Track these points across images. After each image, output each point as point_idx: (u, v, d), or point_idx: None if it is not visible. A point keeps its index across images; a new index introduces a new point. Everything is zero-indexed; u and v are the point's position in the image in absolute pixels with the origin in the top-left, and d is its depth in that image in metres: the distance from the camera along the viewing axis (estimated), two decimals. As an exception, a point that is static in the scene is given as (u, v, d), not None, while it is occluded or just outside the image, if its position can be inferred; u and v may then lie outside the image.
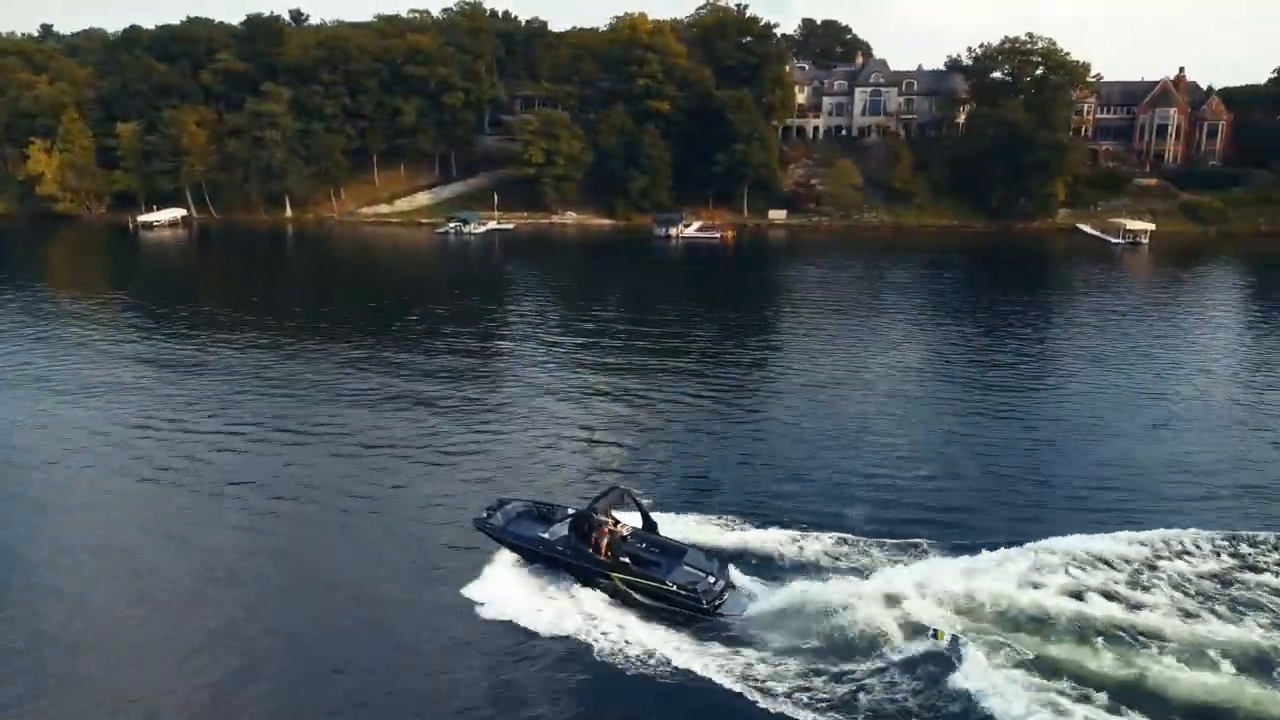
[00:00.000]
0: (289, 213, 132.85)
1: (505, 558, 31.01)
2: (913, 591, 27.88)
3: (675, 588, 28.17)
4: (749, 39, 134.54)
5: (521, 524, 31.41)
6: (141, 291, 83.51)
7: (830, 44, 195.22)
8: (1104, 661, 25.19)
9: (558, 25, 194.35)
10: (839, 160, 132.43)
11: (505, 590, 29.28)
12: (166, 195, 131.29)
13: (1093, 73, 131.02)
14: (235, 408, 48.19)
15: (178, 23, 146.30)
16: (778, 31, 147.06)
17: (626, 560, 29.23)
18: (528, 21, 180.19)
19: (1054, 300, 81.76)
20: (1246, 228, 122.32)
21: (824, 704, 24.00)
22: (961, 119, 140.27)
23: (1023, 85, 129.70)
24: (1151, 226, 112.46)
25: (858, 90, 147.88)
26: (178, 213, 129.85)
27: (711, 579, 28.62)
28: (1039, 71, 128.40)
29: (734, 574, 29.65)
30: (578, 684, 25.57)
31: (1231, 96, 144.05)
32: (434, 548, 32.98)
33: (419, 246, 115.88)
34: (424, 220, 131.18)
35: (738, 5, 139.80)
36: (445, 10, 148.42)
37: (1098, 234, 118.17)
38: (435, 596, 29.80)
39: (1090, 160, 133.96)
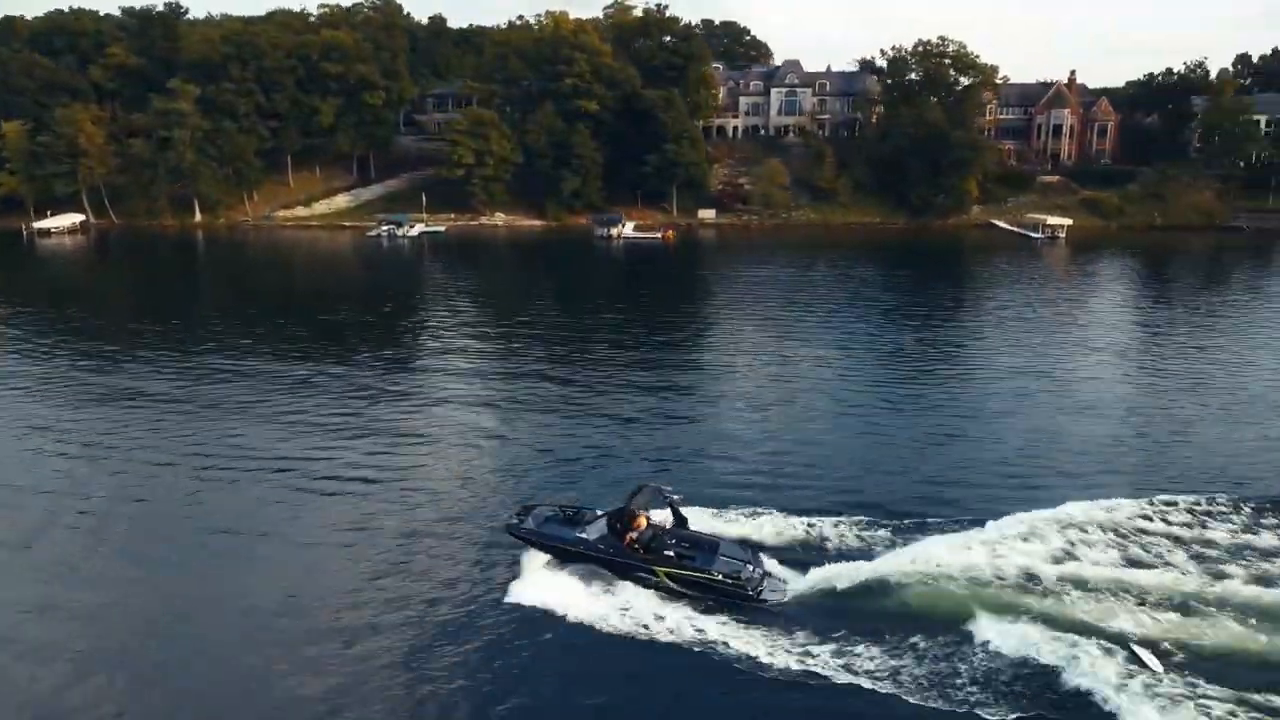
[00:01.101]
0: (198, 217, 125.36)
1: (535, 560, 30.77)
2: (931, 563, 29.27)
3: (720, 577, 28.73)
4: (672, 39, 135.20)
5: (553, 526, 31.40)
6: (53, 303, 77.00)
7: (730, 45, 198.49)
8: (1113, 615, 26.92)
9: (455, 23, 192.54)
10: (768, 160, 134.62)
11: (546, 590, 29.16)
12: (60, 200, 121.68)
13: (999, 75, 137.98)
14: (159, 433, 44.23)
15: (61, 11, 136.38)
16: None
17: (670, 554, 29.69)
18: (431, 19, 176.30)
19: (998, 291, 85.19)
20: (1143, 221, 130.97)
21: (885, 675, 24.75)
22: (873, 119, 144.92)
23: (935, 87, 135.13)
24: (1069, 222, 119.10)
25: (774, 91, 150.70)
26: (75, 218, 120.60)
27: (750, 567, 29.35)
28: (951, 74, 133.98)
29: (766, 561, 30.32)
30: (641, 674, 25.54)
31: (1116, 97, 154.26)
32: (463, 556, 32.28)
33: (350, 251, 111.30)
34: (347, 224, 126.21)
35: (657, 5, 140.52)
36: (357, 6, 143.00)
37: (1014, 229, 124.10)
38: (470, 602, 29.27)
39: (997, 159, 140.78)
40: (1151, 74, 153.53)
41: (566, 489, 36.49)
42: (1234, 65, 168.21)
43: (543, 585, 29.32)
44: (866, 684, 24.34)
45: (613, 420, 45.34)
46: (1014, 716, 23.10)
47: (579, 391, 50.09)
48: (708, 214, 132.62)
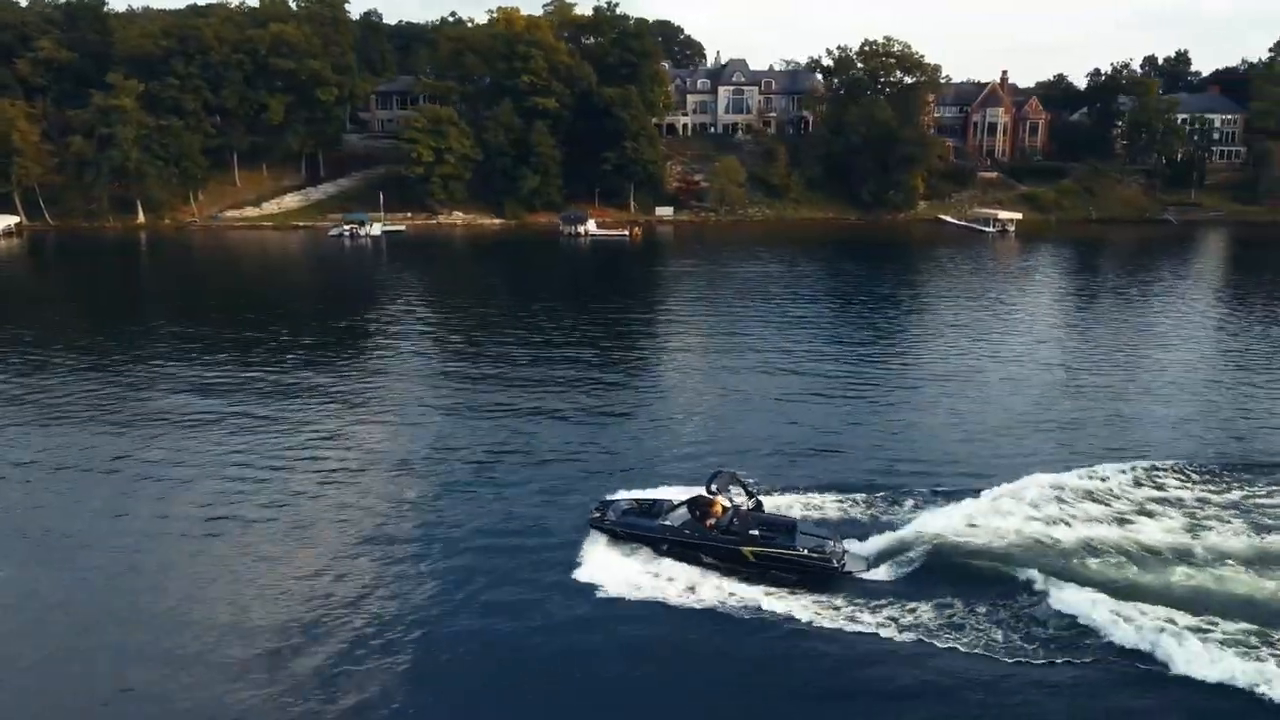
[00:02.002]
0: (141, 218, 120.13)
1: (598, 547, 30.87)
2: (963, 528, 30.57)
3: (806, 552, 29.34)
4: (625, 35, 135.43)
5: (634, 518, 31.93)
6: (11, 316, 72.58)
7: (666, 44, 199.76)
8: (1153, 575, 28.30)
9: (388, 19, 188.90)
10: (723, 158, 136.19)
11: (620, 575, 29.25)
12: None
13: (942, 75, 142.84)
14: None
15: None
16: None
17: (755, 534, 30.26)
18: (365, 15, 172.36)
19: (971, 281, 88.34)
20: (1079, 215, 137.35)
21: (980, 635, 25.53)
22: (815, 117, 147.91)
23: (881, 86, 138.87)
24: (1019, 216, 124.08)
25: (721, 89, 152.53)
26: (9, 220, 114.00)
27: (831, 542, 29.97)
28: (897, 73, 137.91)
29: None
30: (745, 653, 25.52)
31: (1045, 96, 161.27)
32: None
33: (310, 251, 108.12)
34: (301, 224, 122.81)
35: (607, 3, 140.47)
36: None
37: (965, 224, 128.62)
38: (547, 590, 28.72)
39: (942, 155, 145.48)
40: (1061, 75, 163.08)
41: (556, 486, 36.11)
42: (1142, 67, 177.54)
43: (613, 569, 29.43)
44: (941, 644, 24.98)
45: (622, 412, 45.42)
46: (1062, 661, 24.17)
47: (567, 388, 49.74)
48: (665, 211, 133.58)
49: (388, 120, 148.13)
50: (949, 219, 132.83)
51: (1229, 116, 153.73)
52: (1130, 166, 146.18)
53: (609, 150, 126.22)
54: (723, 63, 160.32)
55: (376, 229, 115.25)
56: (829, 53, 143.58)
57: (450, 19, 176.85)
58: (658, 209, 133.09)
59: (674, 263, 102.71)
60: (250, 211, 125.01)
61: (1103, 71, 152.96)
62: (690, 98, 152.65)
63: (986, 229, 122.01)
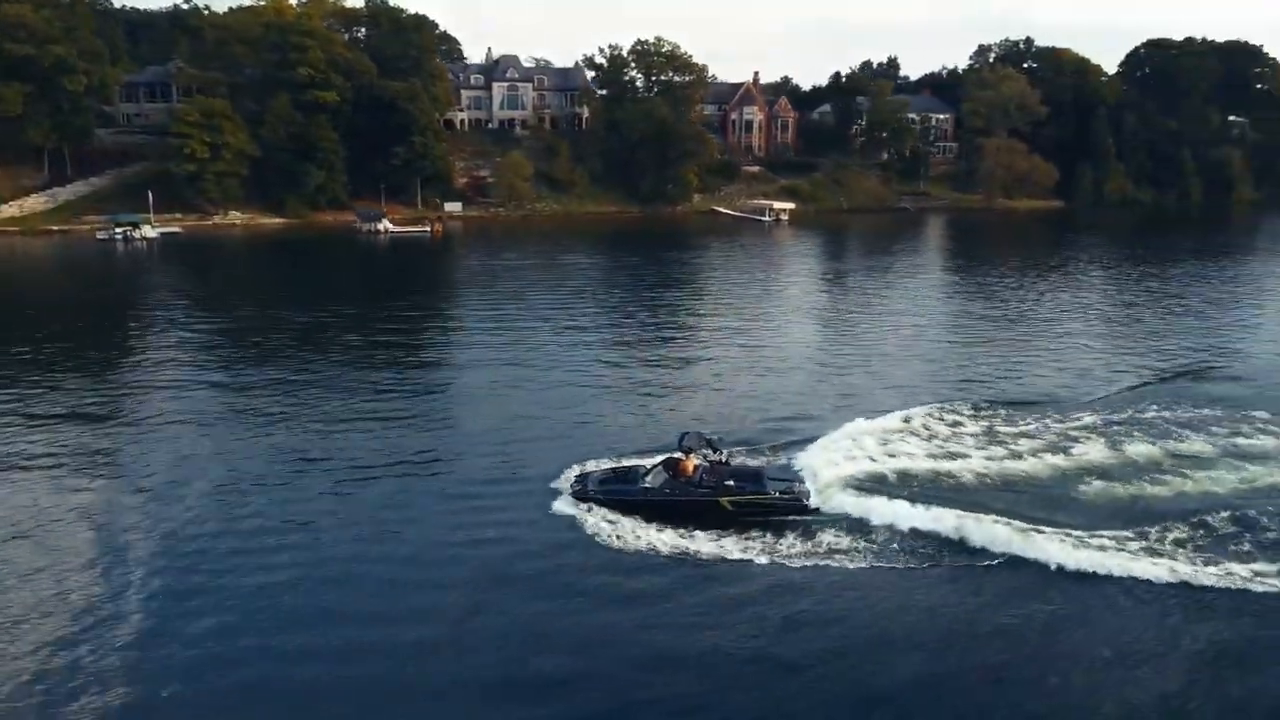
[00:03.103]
0: None
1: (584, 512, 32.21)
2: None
3: (778, 495, 31.90)
4: (404, 29, 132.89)
5: (614, 484, 33.54)
6: None
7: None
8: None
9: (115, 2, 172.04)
10: (509, 153, 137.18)
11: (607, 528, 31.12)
12: None
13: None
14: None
15: None
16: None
17: (730, 484, 32.50)
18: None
19: (753, 262, 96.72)
20: (832, 204, 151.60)
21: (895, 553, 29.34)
22: (590, 114, 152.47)
23: (652, 84, 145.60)
24: (792, 206, 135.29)
25: (495, 85, 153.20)
26: None
27: (799, 484, 32.75)
28: (669, 73, 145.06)
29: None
30: (738, 602, 26.80)
31: (793, 95, 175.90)
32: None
33: (76, 257, 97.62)
34: (54, 227, 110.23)
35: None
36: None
37: (740, 214, 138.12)
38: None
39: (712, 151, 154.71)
40: (786, 78, 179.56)
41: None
42: (861, 70, 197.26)
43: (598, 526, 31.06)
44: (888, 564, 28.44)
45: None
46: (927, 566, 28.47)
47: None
48: (454, 207, 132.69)
49: (135, 114, 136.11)
50: (724, 210, 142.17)
51: (942, 116, 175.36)
52: (868, 161, 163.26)
53: (397, 145, 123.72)
54: (495, 58, 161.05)
55: (151, 231, 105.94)
56: (600, 51, 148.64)
57: (185, 5, 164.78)
58: (446, 205, 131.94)
59: (471, 257, 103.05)
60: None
61: (843, 74, 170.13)
62: (465, 93, 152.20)
63: (763, 218, 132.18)
